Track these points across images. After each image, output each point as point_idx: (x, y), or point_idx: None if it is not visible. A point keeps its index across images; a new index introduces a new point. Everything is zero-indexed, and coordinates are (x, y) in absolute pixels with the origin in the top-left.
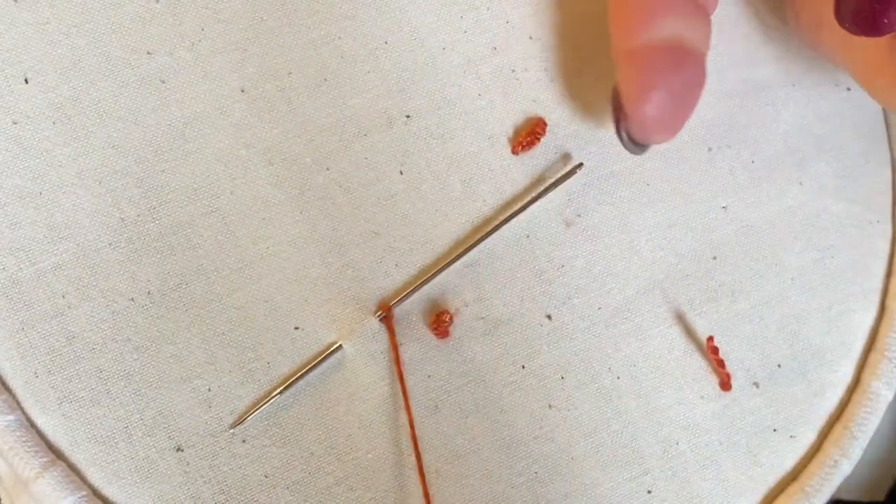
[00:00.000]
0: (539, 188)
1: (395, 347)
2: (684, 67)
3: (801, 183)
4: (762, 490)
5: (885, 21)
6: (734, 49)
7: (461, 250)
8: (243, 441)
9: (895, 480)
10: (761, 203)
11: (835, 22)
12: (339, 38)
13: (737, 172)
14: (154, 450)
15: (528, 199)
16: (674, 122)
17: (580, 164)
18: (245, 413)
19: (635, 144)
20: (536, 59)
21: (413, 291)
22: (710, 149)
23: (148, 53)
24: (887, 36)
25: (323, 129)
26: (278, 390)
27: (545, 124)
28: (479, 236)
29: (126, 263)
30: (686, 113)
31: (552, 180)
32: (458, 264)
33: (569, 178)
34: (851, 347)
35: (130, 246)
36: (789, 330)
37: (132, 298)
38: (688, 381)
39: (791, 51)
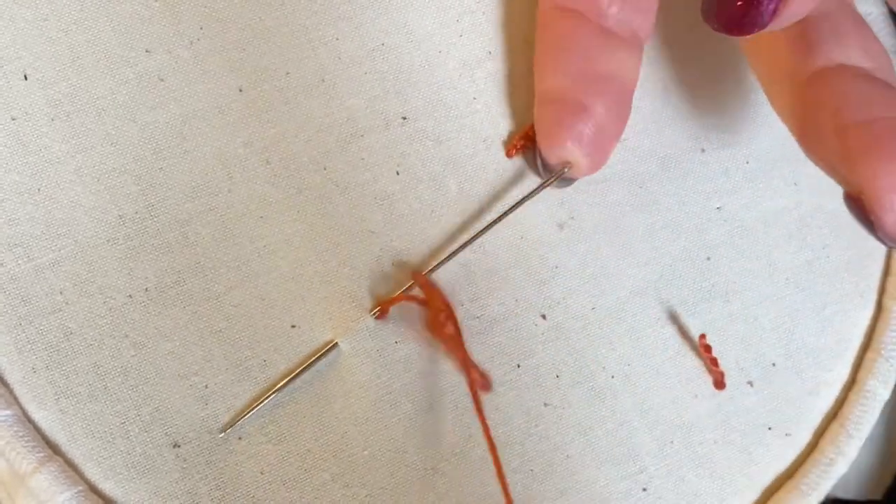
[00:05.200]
0: (529, 190)
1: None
2: (597, 112)
3: (796, 183)
4: (758, 488)
5: (752, 19)
6: (727, 51)
7: (455, 248)
8: (239, 438)
9: (893, 479)
10: (756, 203)
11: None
12: (337, 39)
13: (731, 173)
14: (151, 446)
15: (517, 200)
16: (592, 163)
17: (559, 177)
18: (238, 416)
19: (558, 175)
20: (531, 63)
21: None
22: (703, 150)
23: (146, 51)
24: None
25: (320, 129)
26: (270, 393)
27: None
28: (473, 234)
29: (124, 260)
30: (604, 152)
31: (541, 183)
32: (452, 264)
33: (556, 179)
34: (847, 346)
35: (128, 243)
36: (784, 329)
37: (130, 295)
38: (682, 380)
39: None
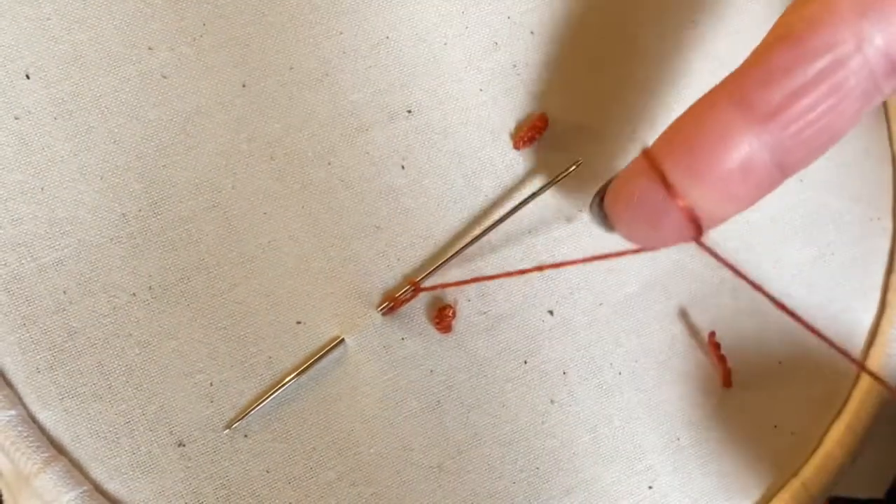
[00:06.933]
0: (537, 186)
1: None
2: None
3: (801, 180)
4: (763, 485)
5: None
6: (734, 48)
7: (461, 246)
8: (245, 436)
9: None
10: (762, 200)
11: None
12: (341, 33)
13: None
14: (156, 445)
15: (527, 196)
16: (645, 243)
17: (578, 162)
18: (243, 411)
19: (568, 172)
20: (537, 54)
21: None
22: None
23: (149, 49)
24: None
25: (324, 124)
26: (276, 388)
27: (546, 119)
28: (478, 230)
29: (127, 258)
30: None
31: (552, 179)
32: (459, 260)
33: (566, 175)
34: (852, 343)
35: (132, 241)
36: (790, 326)
37: (134, 293)
38: (689, 377)
39: None
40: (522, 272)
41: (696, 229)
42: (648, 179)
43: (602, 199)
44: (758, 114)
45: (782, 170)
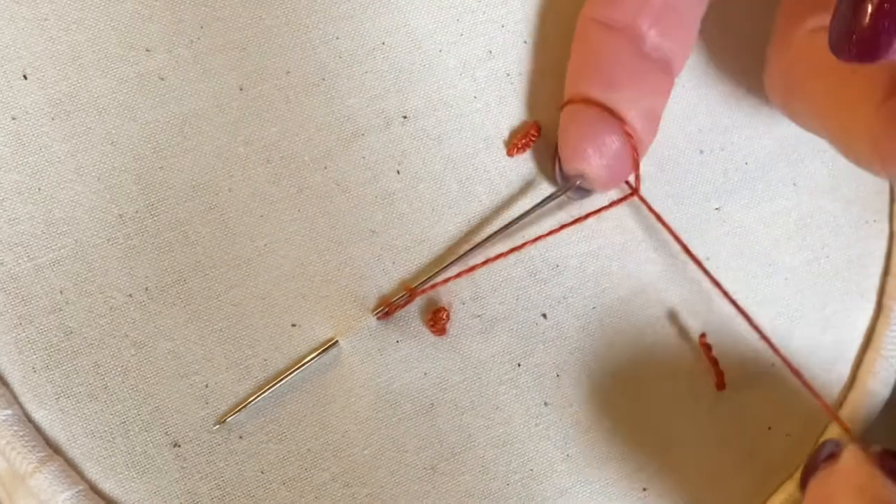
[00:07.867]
0: (530, 193)
1: None
2: (625, 127)
3: (795, 183)
4: (758, 488)
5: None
6: (724, 54)
7: (458, 255)
8: (240, 437)
9: None
10: (755, 204)
11: (807, 90)
12: (338, 38)
13: (730, 174)
14: (151, 445)
15: (521, 213)
16: (610, 176)
17: (575, 183)
18: (233, 408)
19: (569, 186)
20: (531, 62)
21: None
22: (702, 151)
23: (147, 50)
24: (864, 101)
25: (321, 128)
26: (268, 387)
27: (539, 127)
28: (476, 240)
29: (124, 259)
30: (624, 168)
31: (550, 195)
32: (453, 263)
33: (558, 197)
34: (848, 346)
35: (129, 242)
36: (783, 329)
37: (130, 294)
38: (682, 380)
39: None
40: (501, 255)
41: (629, 136)
42: (583, 109)
43: (561, 167)
44: (620, 22)
45: (667, 64)
